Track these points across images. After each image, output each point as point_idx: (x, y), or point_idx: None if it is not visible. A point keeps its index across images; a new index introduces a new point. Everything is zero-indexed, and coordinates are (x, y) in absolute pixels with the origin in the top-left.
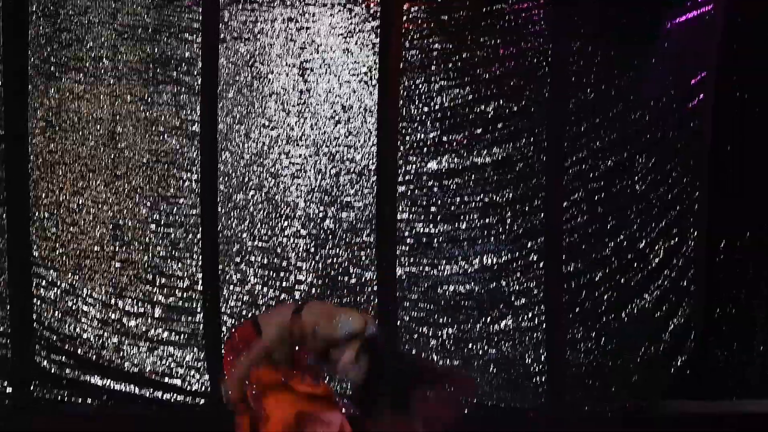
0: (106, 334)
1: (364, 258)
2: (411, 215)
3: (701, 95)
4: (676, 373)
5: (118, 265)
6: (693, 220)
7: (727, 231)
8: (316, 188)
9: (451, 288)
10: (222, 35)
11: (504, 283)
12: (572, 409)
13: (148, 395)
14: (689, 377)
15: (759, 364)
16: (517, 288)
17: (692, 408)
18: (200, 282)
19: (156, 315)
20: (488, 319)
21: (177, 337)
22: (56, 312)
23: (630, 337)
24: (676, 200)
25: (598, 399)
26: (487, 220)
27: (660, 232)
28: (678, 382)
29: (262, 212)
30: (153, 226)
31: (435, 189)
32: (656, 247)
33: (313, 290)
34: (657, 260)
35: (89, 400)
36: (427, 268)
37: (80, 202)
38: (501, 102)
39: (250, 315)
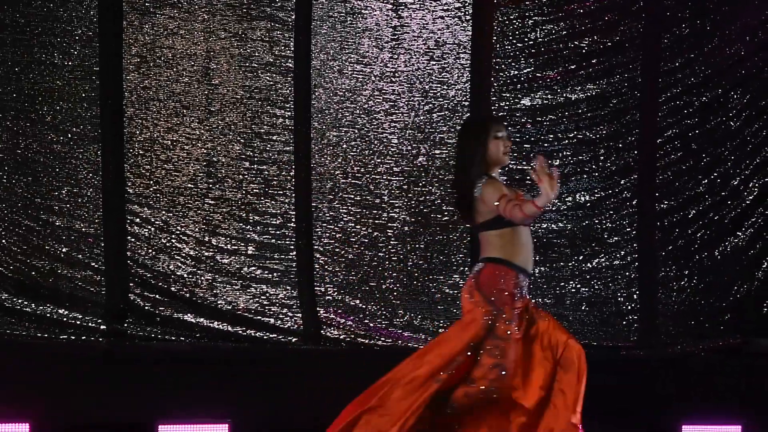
0: (199, 271)
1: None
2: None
3: None
4: None
5: (211, 202)
6: None
7: None
8: (409, 125)
9: (544, 226)
10: None
11: (596, 221)
12: (664, 347)
13: (240, 333)
14: None
15: None
16: (609, 226)
17: None
18: (293, 219)
19: (249, 252)
20: (581, 257)
21: (270, 274)
22: (150, 249)
23: (723, 275)
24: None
25: (690, 337)
26: (580, 157)
27: (754, 168)
28: None
29: (355, 149)
30: (246, 164)
31: (528, 126)
32: (750, 184)
33: (406, 228)
34: (751, 198)
35: (182, 338)
36: None
37: (174, 139)
38: (595, 37)
39: None
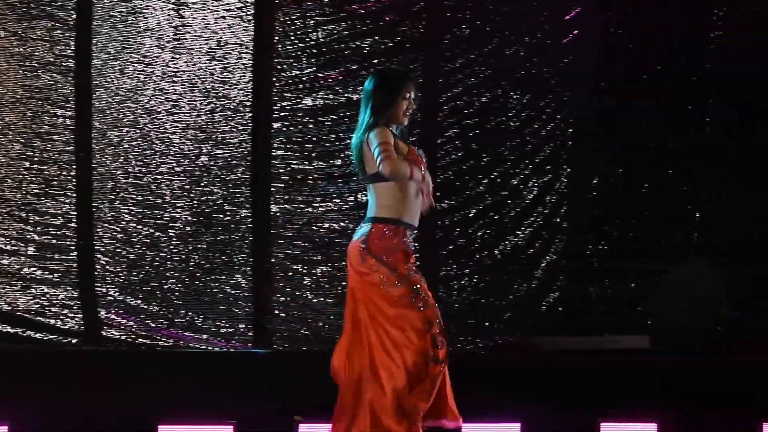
0: None
1: (238, 195)
2: (286, 152)
3: (576, 31)
4: (549, 309)
5: None
6: (566, 157)
7: (601, 167)
8: (191, 125)
9: (326, 225)
10: None
11: None
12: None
13: (20, 334)
14: (561, 313)
15: (631, 300)
16: None
17: (564, 344)
18: (74, 219)
19: (29, 253)
20: None
21: (50, 275)
22: None
23: (502, 273)
24: (549, 137)
25: (470, 335)
26: None
27: (533, 168)
28: (550, 318)
29: (136, 149)
30: (27, 164)
31: (310, 125)
32: (529, 184)
33: (188, 228)
34: (530, 197)
35: None
36: (301, 206)
37: None
38: (376, 38)
39: None
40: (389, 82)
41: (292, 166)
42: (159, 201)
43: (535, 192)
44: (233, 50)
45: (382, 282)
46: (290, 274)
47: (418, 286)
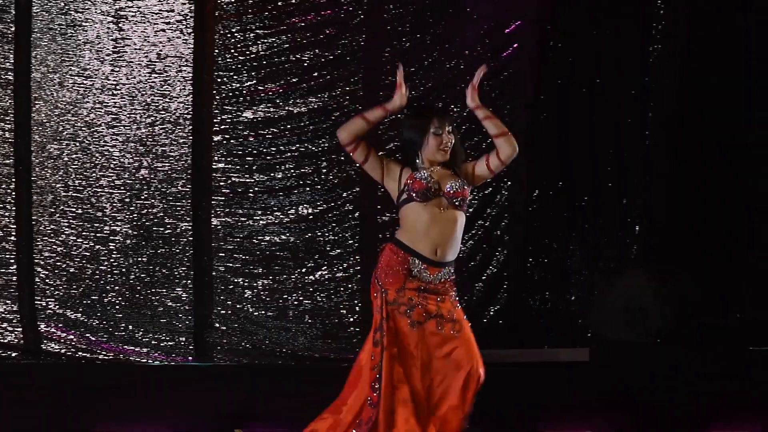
0: None
1: (179, 208)
2: (226, 165)
3: (515, 44)
4: (489, 322)
5: None
6: (506, 170)
7: (541, 180)
8: (131, 138)
9: (267, 238)
10: None
11: (319, 234)
12: None
13: None
14: (502, 326)
15: (571, 313)
16: (332, 238)
17: (505, 357)
18: (14, 233)
19: None
20: (303, 269)
21: None
22: None
23: None
24: (489, 149)
25: None
26: (303, 170)
27: None
28: (491, 331)
29: (76, 162)
30: None
31: (251, 138)
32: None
33: (128, 241)
34: (471, 210)
35: None
36: (242, 219)
37: None
38: (317, 51)
39: None
40: (414, 120)
41: (233, 179)
42: (99, 214)
43: (475, 205)
44: (173, 63)
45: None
46: (231, 287)
47: (386, 324)
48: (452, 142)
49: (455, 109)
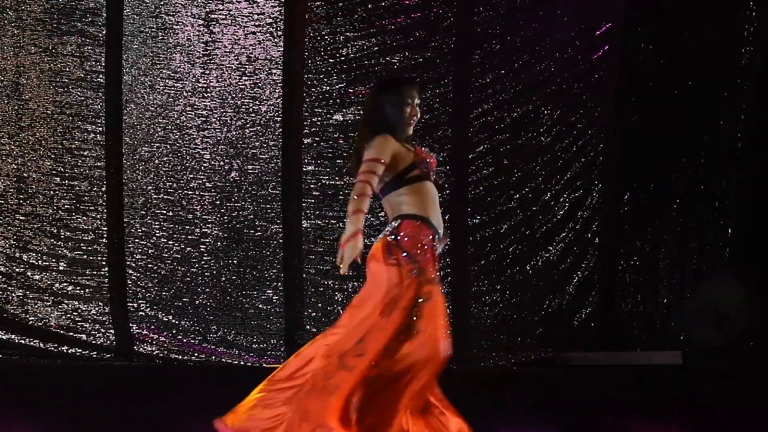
0: (10, 287)
1: (269, 211)
2: (317, 167)
3: (606, 47)
4: (581, 325)
5: (22, 218)
6: (597, 172)
7: (632, 183)
8: (221, 140)
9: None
10: None
11: None
12: (477, 361)
13: (52, 349)
14: (593, 329)
15: (662, 315)
16: None
17: (597, 359)
18: (105, 235)
19: (61, 268)
20: None
21: (82, 290)
22: None
23: (534, 289)
24: (580, 152)
25: (502, 351)
26: None
27: (564, 183)
28: (582, 333)
29: (167, 165)
30: (57, 179)
31: (341, 141)
32: (561, 199)
33: (219, 243)
34: (561, 213)
35: None
36: (332, 221)
37: None
38: (406, 53)
39: None
40: (392, 89)
41: (323, 181)
42: (190, 216)
43: (566, 207)
44: (263, 66)
45: (400, 280)
46: (321, 289)
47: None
48: (418, 114)
49: (545, 112)
